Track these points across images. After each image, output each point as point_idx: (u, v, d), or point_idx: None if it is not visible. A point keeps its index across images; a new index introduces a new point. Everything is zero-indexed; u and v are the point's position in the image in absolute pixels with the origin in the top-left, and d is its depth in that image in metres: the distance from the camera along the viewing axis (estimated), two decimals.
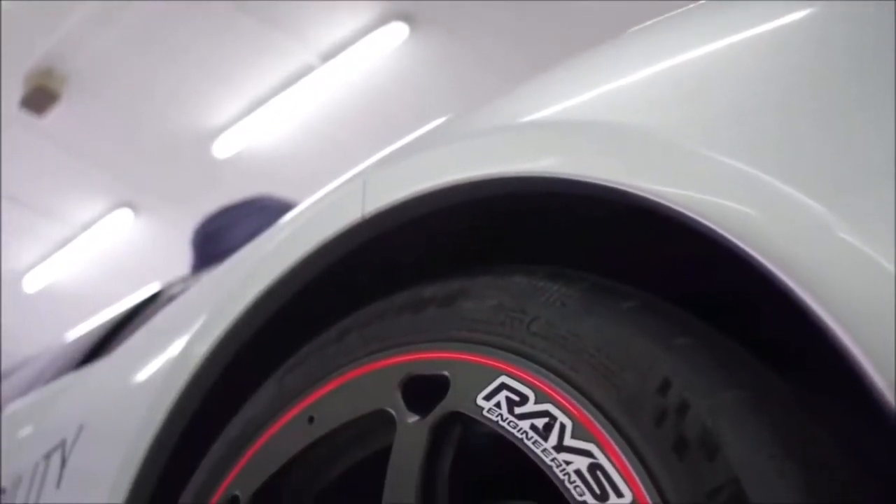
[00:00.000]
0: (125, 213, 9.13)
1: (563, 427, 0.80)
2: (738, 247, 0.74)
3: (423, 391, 0.92)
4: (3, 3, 6.24)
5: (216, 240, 2.98)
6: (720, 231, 0.76)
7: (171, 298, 2.03)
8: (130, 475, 1.27)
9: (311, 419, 1.03)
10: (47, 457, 1.60)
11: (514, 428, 0.83)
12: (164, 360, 1.37)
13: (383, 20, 6.87)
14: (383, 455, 0.93)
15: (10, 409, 2.17)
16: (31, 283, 10.00)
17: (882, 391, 0.65)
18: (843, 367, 0.67)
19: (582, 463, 0.77)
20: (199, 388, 1.24)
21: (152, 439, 1.26)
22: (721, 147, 0.80)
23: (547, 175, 0.92)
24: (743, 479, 0.68)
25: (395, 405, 0.94)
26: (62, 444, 1.57)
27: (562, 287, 0.90)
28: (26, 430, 1.90)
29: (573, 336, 0.84)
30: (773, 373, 0.79)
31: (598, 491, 0.75)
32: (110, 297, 4.00)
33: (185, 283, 2.43)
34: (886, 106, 0.73)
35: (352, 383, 1.01)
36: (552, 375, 0.83)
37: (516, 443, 0.82)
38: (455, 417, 0.89)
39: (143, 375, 1.46)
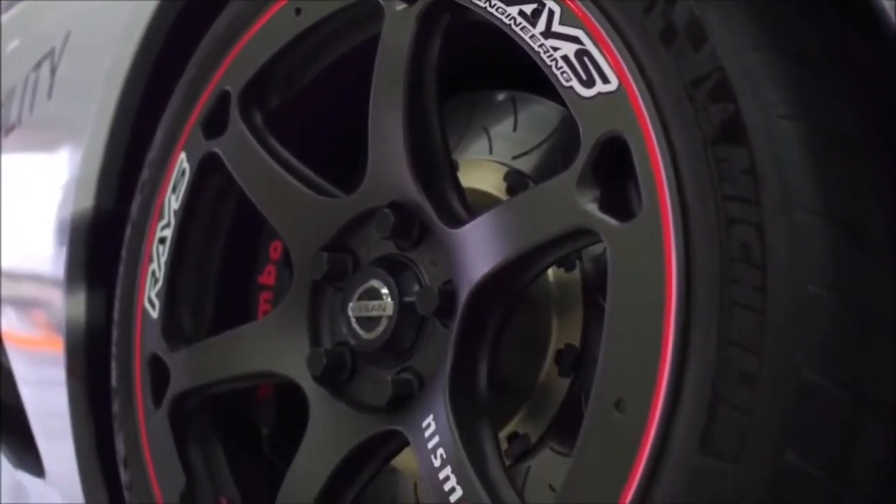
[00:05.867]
0: None
1: (551, 12, 0.79)
2: None
3: None
4: None
5: None
6: None
7: None
8: (119, 78, 1.28)
9: (297, 10, 1.02)
10: (37, 67, 1.60)
11: (503, 14, 0.82)
12: None
13: None
14: (370, 46, 0.93)
15: None
16: None
17: None
18: None
19: (569, 49, 0.77)
20: None
21: (140, 41, 1.25)
22: None
23: None
24: (728, 69, 0.68)
25: None
26: (51, 52, 1.57)
27: None
28: (14, 44, 1.89)
29: None
30: None
31: (584, 77, 0.76)
32: None
33: None
34: None
35: None
36: None
37: (504, 28, 0.82)
38: (443, 5, 0.88)
39: None
